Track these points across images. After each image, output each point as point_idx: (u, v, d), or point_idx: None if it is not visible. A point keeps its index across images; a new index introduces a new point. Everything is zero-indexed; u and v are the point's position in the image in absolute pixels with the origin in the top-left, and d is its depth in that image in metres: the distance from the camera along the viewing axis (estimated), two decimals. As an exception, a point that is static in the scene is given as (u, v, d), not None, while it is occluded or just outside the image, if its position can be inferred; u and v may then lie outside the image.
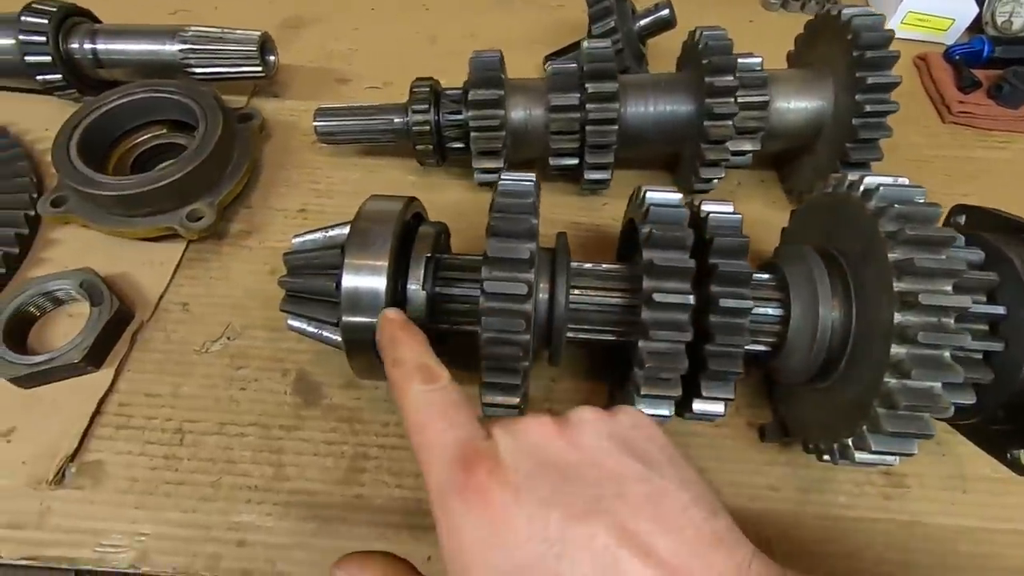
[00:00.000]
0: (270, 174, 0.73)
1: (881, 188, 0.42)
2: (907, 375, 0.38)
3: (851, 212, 0.44)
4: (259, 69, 0.71)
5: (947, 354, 0.38)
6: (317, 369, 0.58)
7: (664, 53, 0.80)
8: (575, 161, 0.64)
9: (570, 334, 0.48)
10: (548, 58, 0.82)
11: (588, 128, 0.60)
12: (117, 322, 0.57)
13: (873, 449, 0.41)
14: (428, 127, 0.64)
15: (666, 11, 0.73)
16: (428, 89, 0.64)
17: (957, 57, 0.86)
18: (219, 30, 0.70)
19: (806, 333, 0.45)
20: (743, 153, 0.63)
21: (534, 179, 0.46)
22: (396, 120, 0.65)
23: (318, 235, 0.48)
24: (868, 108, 0.56)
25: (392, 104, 0.67)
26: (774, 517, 0.52)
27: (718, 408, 0.44)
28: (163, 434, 0.54)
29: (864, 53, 0.56)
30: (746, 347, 0.46)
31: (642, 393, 0.42)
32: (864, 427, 0.41)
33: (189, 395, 0.56)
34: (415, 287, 0.45)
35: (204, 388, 0.57)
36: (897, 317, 0.38)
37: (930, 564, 0.51)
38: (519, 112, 0.63)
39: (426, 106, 0.63)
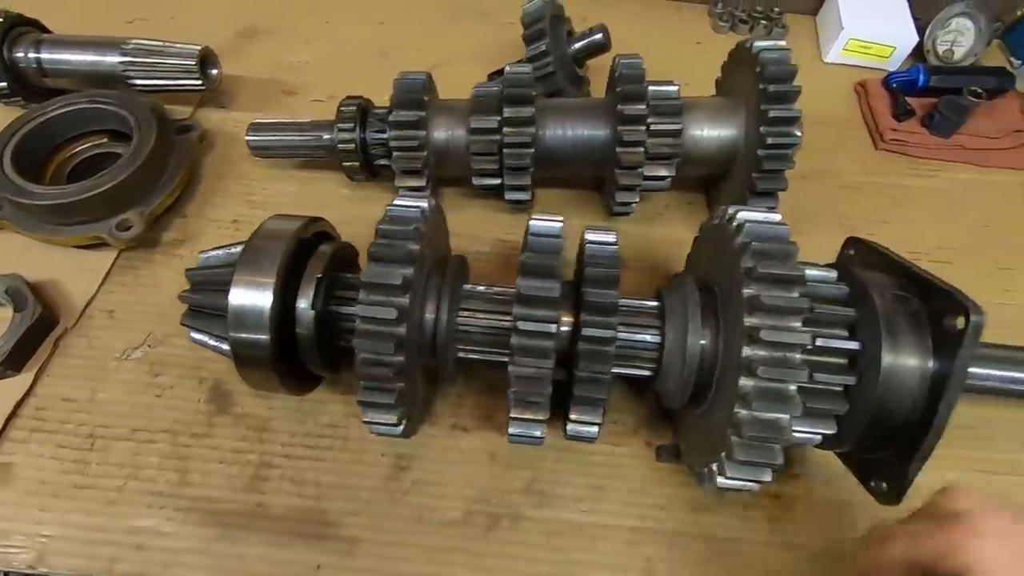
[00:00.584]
0: (209, 184, 0.75)
1: (746, 224, 0.44)
2: (750, 407, 0.40)
3: (724, 246, 0.46)
4: (199, 82, 0.73)
5: (792, 387, 0.39)
6: (233, 378, 0.60)
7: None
8: (497, 180, 0.66)
9: (461, 354, 0.50)
10: (491, 76, 0.83)
11: (505, 151, 0.62)
12: (39, 328, 0.59)
13: (728, 475, 0.43)
14: (353, 145, 0.66)
15: (599, 35, 0.75)
16: (355, 108, 0.66)
17: (894, 85, 0.87)
18: (160, 43, 0.72)
19: (678, 360, 0.47)
20: (659, 178, 0.64)
21: (422, 206, 0.47)
22: (325, 137, 0.67)
23: (220, 252, 0.50)
24: (770, 140, 0.58)
25: (323, 120, 0.68)
26: (659, 536, 0.54)
27: (591, 430, 0.46)
28: (75, 438, 0.56)
29: (768, 87, 0.58)
30: (626, 371, 0.48)
31: (511, 415, 0.44)
32: (723, 453, 0.43)
33: (105, 401, 0.58)
34: (304, 305, 0.47)
35: (121, 394, 0.59)
36: (745, 351, 0.40)
37: (811, 585, 0.53)
38: (442, 132, 0.65)
39: (351, 124, 0.65)
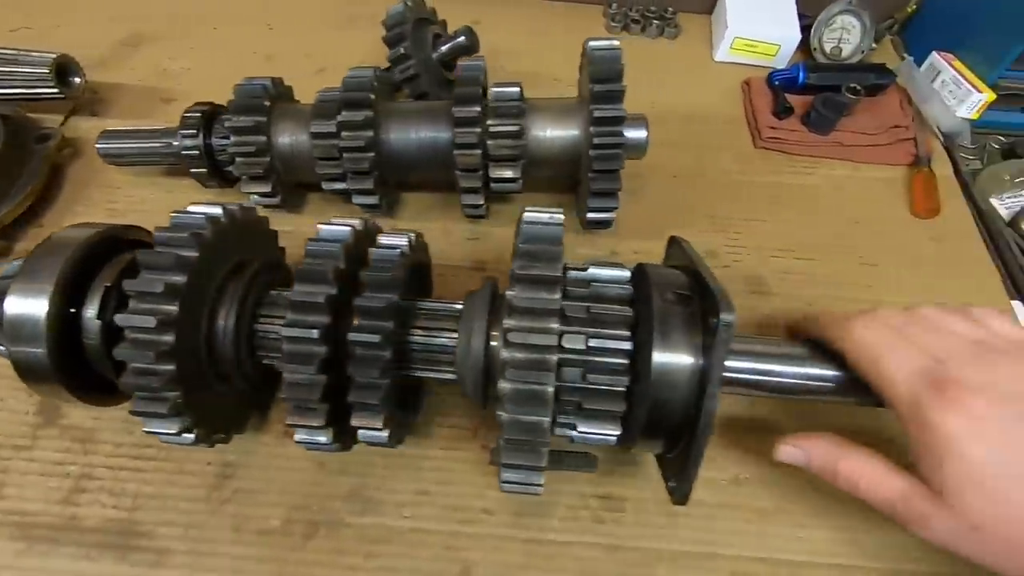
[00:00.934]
0: (71, 193, 0.74)
1: (523, 225, 0.44)
2: (507, 409, 0.39)
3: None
4: (56, 91, 0.72)
5: (547, 388, 0.39)
6: (64, 389, 0.59)
7: (517, 75, 0.81)
8: (344, 185, 0.65)
9: (265, 361, 0.50)
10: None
11: (345, 155, 0.62)
12: None
13: (503, 479, 0.42)
14: (197, 152, 0.65)
15: (463, 38, 0.75)
16: (199, 115, 0.65)
17: (776, 83, 0.87)
18: (14, 52, 0.71)
19: (467, 362, 0.46)
20: (506, 180, 0.64)
21: (210, 212, 0.47)
22: (174, 143, 0.67)
23: (16, 262, 0.49)
24: (597, 140, 0.57)
25: (173, 127, 0.68)
26: (480, 540, 0.53)
27: (380, 435, 0.46)
28: None
29: (594, 86, 0.57)
30: (430, 375, 0.48)
31: (287, 422, 0.43)
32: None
33: (-70, 415, 0.57)
34: (91, 314, 0.46)
35: (-54, 408, 0.58)
36: (503, 353, 0.40)
37: (627, 589, 0.52)
38: (286, 138, 0.65)
39: (194, 131, 0.65)
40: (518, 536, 0.54)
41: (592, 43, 0.60)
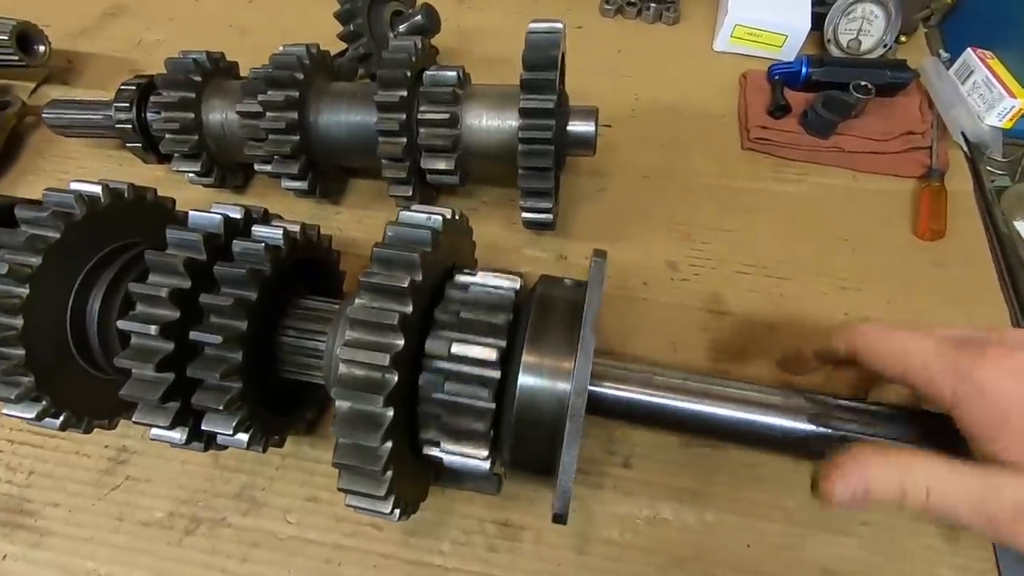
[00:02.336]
0: (26, 162, 0.75)
1: (390, 227, 0.39)
2: (337, 431, 0.35)
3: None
4: (16, 58, 0.72)
5: (383, 411, 0.35)
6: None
7: (487, 61, 0.77)
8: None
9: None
10: (334, 58, 0.80)
11: (270, 137, 0.59)
12: None
13: (347, 502, 0.39)
14: (131, 126, 0.63)
15: (419, 17, 0.70)
16: (135, 88, 0.64)
17: (776, 77, 0.78)
18: (-25, 18, 0.72)
19: (331, 369, 0.42)
20: (440, 172, 0.59)
21: (86, 190, 0.45)
22: (111, 116, 0.65)
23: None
24: (523, 135, 0.52)
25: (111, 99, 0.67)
26: (363, 556, 0.50)
27: (238, 440, 0.43)
28: None
29: (523, 74, 0.52)
30: (301, 378, 0.45)
31: (133, 419, 0.41)
32: (346, 479, 0.38)
33: None
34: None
35: None
36: (341, 369, 0.36)
37: (510, 627, 0.48)
38: (216, 115, 0.62)
39: (127, 104, 0.63)
40: (401, 556, 0.50)
41: (533, 24, 0.54)
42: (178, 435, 0.42)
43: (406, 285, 0.35)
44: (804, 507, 0.51)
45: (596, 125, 0.58)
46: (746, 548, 0.50)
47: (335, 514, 0.52)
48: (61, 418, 0.45)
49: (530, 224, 0.62)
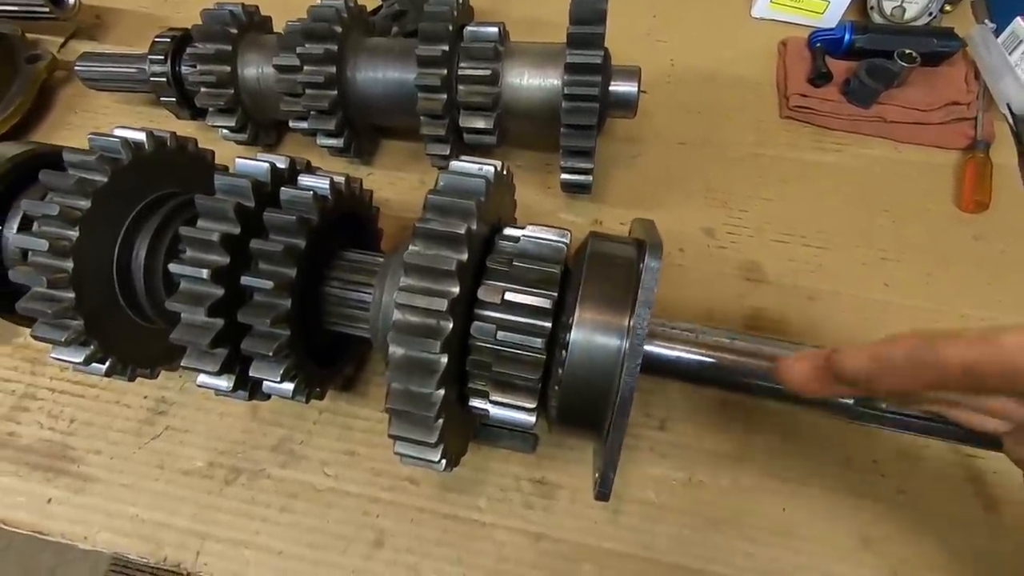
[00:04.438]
0: (58, 116, 0.74)
1: (442, 175, 0.39)
2: (392, 377, 0.35)
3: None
4: (45, 9, 0.71)
5: (439, 357, 0.35)
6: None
7: (525, 22, 0.75)
8: (307, 124, 0.62)
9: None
10: (371, 13, 0.78)
11: (306, 91, 0.58)
12: None
13: (395, 450, 0.39)
14: (165, 79, 0.63)
15: (457, -28, 0.68)
16: (169, 40, 0.63)
17: (818, 45, 0.76)
18: (7, -31, 0.71)
19: (378, 321, 0.42)
20: (479, 131, 0.58)
21: (132, 136, 0.44)
22: (145, 69, 0.65)
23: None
24: (568, 91, 0.51)
25: (146, 52, 0.66)
26: (399, 510, 0.51)
27: (284, 389, 0.43)
28: None
29: (570, 28, 0.51)
30: (345, 330, 0.45)
31: (182, 364, 0.41)
32: (397, 428, 0.39)
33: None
34: (9, 233, 0.45)
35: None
36: (396, 315, 0.35)
37: (547, 581, 0.48)
38: (251, 70, 0.61)
39: (162, 57, 0.62)
40: (439, 510, 0.51)
41: (578, -22, 0.53)
42: (225, 382, 0.42)
43: (463, 232, 0.35)
44: (842, 474, 0.51)
45: (639, 86, 0.57)
46: (781, 512, 0.50)
47: (372, 468, 0.53)
48: (107, 363, 0.45)
49: (568, 186, 0.61)
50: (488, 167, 0.40)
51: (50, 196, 0.41)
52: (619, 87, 0.56)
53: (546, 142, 0.65)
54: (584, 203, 0.67)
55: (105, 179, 0.42)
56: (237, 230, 0.40)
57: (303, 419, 0.55)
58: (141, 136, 0.45)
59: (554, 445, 0.53)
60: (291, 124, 0.62)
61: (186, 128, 0.72)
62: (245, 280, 0.39)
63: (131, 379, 0.48)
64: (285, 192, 0.41)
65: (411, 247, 0.36)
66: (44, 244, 0.39)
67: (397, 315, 0.35)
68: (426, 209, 0.37)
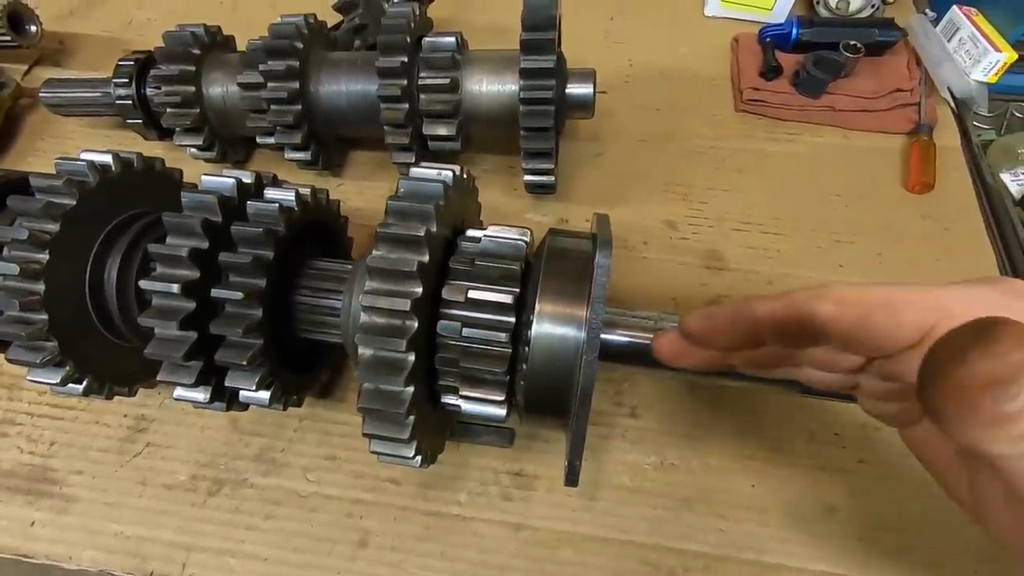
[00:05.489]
0: (25, 142, 0.75)
1: (403, 181, 0.40)
2: (362, 377, 0.37)
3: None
4: (7, 37, 0.72)
5: (405, 355, 0.36)
6: None
7: (482, 30, 0.77)
8: (274, 139, 0.63)
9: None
10: (331, 29, 0.80)
11: (271, 107, 0.59)
12: None
13: (371, 448, 0.40)
14: (131, 101, 0.64)
15: (414, -15, 0.70)
16: (133, 63, 0.64)
17: (767, 39, 0.79)
18: (-34, -1, 0.71)
19: (348, 326, 0.44)
20: (442, 138, 0.60)
21: (97, 159, 0.45)
22: (110, 93, 0.66)
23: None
24: (524, 95, 0.53)
25: (110, 76, 0.67)
26: (382, 510, 0.52)
27: (260, 397, 0.44)
28: None
29: (523, 35, 0.53)
30: (317, 337, 0.46)
31: (158, 378, 0.42)
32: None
33: None
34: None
35: None
36: (363, 318, 0.37)
37: (527, 569, 0.50)
38: (216, 88, 0.62)
39: (127, 80, 0.63)
40: (420, 508, 0.52)
41: (530, -13, 0.55)
42: (201, 394, 0.43)
43: (422, 234, 0.37)
44: (805, 448, 0.54)
45: (594, 87, 0.59)
46: (751, 488, 0.52)
47: (354, 471, 0.54)
48: (84, 383, 0.46)
49: (532, 187, 0.63)
50: (447, 172, 0.41)
51: (19, 221, 0.42)
52: (575, 89, 0.58)
53: (509, 145, 0.67)
54: (550, 203, 0.69)
55: (73, 202, 0.43)
56: (205, 245, 0.41)
57: (283, 427, 0.56)
58: (107, 158, 0.46)
59: (530, 438, 0.55)
60: (258, 140, 0.64)
61: (154, 149, 0.73)
62: (215, 292, 0.40)
63: (109, 397, 0.49)
64: (251, 205, 0.42)
65: (374, 251, 0.37)
66: (15, 268, 0.40)
67: (364, 317, 0.37)
68: (387, 214, 0.38)
